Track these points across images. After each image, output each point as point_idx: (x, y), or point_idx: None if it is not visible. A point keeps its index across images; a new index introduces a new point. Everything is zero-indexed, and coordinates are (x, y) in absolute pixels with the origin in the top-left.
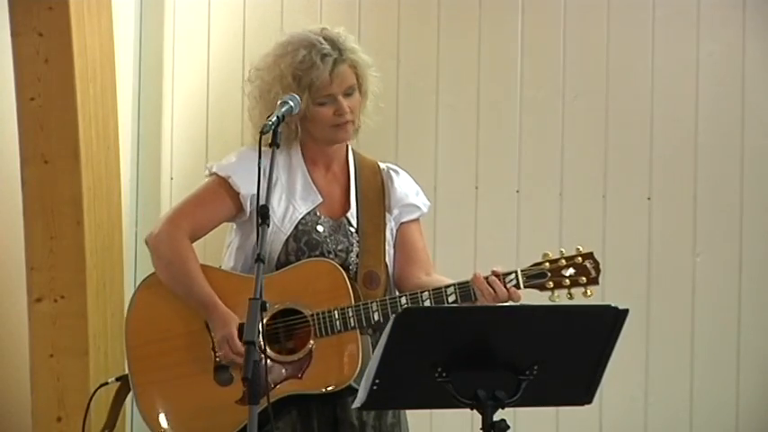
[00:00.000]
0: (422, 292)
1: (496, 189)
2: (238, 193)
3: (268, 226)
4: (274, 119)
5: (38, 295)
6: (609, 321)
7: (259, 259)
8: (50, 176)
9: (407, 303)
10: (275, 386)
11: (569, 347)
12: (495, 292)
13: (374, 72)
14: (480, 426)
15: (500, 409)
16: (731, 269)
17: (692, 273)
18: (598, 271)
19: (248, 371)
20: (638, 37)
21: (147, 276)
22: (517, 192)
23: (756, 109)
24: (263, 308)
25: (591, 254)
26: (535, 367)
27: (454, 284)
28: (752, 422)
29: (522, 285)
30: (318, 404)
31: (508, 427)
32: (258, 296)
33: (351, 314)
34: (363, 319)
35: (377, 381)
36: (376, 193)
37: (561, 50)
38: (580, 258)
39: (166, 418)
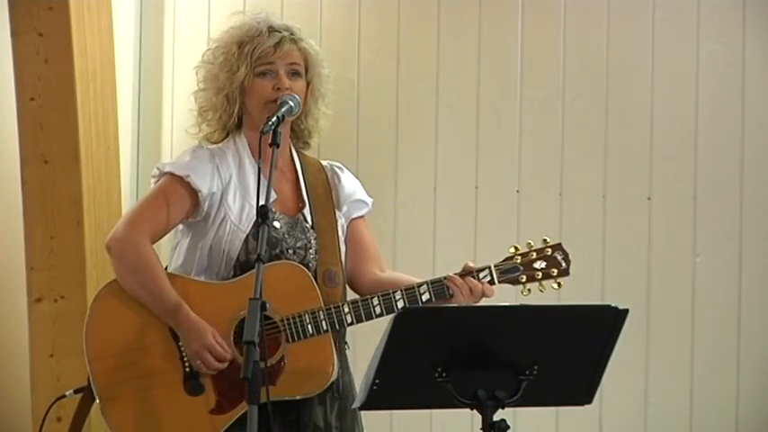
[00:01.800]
0: (394, 292)
1: (496, 189)
2: (197, 192)
3: (268, 227)
4: (274, 119)
5: (38, 295)
6: (609, 321)
7: (259, 259)
8: (50, 176)
9: (380, 304)
10: None
11: (569, 347)
12: (470, 288)
13: (326, 71)
14: (480, 426)
15: (500, 409)
16: (731, 269)
17: (692, 273)
18: (568, 262)
19: (248, 371)
20: (638, 37)
21: (106, 285)
22: (517, 192)
23: (756, 109)
24: (263, 308)
25: (560, 245)
26: (535, 367)
27: (427, 282)
28: (752, 422)
29: (496, 281)
30: (281, 407)
31: (508, 427)
32: (258, 296)
33: (322, 317)
34: (336, 321)
35: (377, 381)
36: (324, 190)
37: (561, 50)
38: (549, 250)
39: None
